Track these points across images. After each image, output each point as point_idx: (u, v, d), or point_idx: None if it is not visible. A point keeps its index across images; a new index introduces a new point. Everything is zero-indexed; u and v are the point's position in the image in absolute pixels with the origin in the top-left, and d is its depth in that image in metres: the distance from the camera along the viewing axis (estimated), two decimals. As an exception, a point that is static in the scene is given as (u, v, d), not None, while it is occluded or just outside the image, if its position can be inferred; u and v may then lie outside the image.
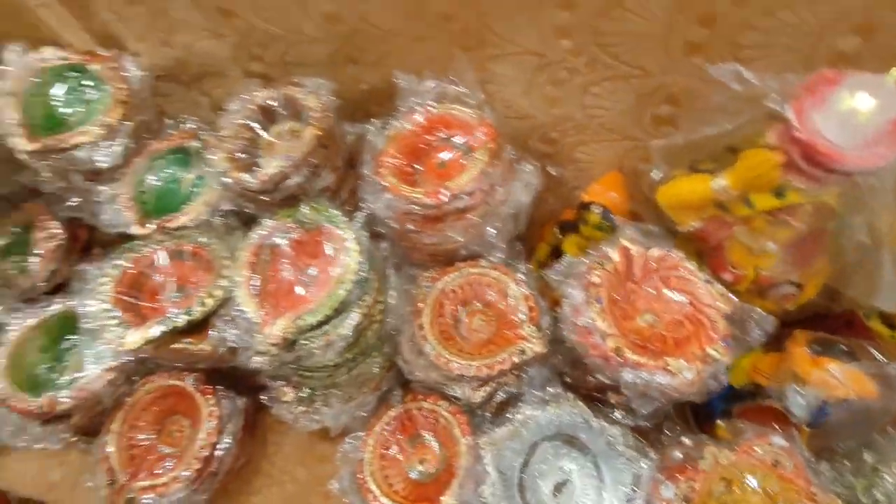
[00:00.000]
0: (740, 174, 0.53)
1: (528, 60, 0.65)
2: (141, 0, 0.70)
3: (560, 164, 0.76)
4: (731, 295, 0.59)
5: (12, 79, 0.74)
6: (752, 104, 0.50)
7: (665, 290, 0.64)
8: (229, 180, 0.67)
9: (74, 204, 0.83)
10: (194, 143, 0.80)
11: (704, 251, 0.66)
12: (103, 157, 0.73)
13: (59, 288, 0.86)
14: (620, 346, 0.58)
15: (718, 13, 0.52)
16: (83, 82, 0.78)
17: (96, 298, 0.67)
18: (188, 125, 0.83)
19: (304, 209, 0.68)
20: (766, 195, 0.53)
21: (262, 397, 0.74)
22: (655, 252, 0.64)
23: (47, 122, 0.76)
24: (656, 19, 0.54)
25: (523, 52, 0.64)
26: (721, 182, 0.55)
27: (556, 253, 0.85)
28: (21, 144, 0.73)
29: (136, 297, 0.70)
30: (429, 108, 0.71)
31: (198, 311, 0.66)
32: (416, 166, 0.72)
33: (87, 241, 0.91)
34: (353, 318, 0.63)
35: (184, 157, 0.81)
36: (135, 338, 0.64)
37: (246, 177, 0.65)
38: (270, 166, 0.66)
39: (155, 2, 0.70)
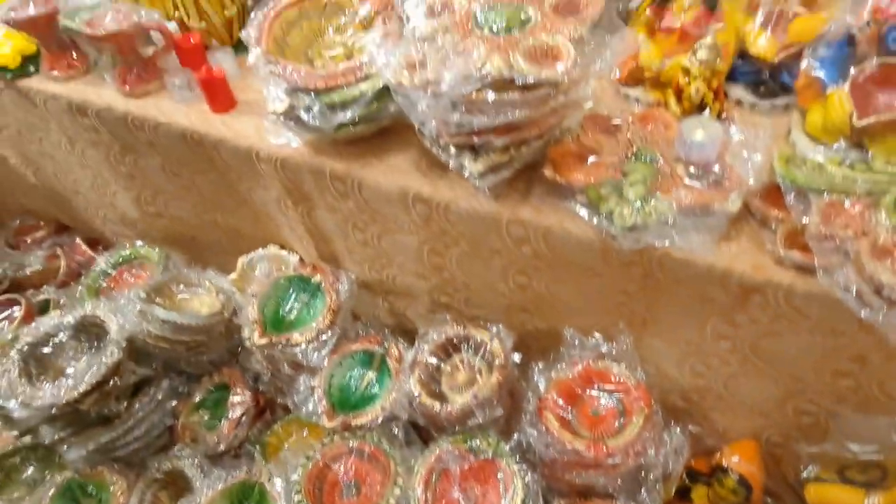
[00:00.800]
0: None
1: (684, 346, 0.78)
2: (373, 246, 0.91)
3: (696, 422, 0.85)
4: None
5: (259, 284, 0.95)
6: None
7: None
8: (419, 404, 0.81)
9: (267, 379, 1.00)
10: (378, 349, 0.96)
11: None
12: (313, 357, 0.90)
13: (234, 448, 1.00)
14: None
15: (869, 359, 0.63)
16: (305, 289, 0.98)
17: (292, 489, 0.80)
18: (371, 330, 1.00)
19: (478, 439, 0.79)
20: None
21: None
22: (801, 543, 0.69)
23: (273, 319, 0.96)
24: (808, 360, 0.66)
25: (681, 340, 0.77)
26: (874, 502, 0.62)
27: (681, 494, 0.91)
28: (254, 338, 0.91)
29: (321, 488, 0.82)
30: (589, 362, 0.83)
31: (376, 516, 0.76)
32: (571, 409, 0.83)
33: (263, 408, 1.06)
34: (515, 551, 0.71)
35: (367, 358, 0.96)
36: (324, 535, 0.74)
37: (437, 406, 0.79)
38: (458, 402, 0.79)
39: (386, 251, 0.90)
